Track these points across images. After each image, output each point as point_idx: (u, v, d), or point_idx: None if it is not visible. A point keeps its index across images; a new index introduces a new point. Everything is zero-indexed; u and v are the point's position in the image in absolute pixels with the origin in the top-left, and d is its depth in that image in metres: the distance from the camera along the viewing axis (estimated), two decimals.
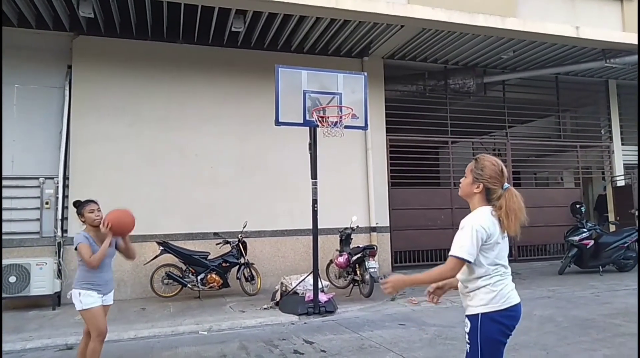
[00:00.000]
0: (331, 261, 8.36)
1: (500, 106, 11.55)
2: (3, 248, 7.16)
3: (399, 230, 9.94)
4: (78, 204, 3.91)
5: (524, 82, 11.58)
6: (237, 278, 7.89)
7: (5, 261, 6.94)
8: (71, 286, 3.81)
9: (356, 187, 9.49)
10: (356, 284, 7.63)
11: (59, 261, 7.51)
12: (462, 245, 2.23)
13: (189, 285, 7.62)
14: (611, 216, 11.86)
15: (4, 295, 6.79)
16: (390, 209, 9.81)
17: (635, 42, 8.82)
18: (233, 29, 8.21)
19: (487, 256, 2.26)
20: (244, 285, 7.89)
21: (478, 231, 2.23)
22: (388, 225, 9.76)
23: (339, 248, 8.17)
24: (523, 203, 2.31)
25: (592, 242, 9.14)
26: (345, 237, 8.05)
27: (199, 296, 7.79)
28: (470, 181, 2.38)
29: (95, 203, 3.90)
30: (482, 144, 12.46)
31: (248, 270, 7.99)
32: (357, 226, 8.38)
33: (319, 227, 6.80)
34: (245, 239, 8.07)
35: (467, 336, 2.31)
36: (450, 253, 2.25)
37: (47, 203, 7.85)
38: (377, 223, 9.54)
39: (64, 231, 7.76)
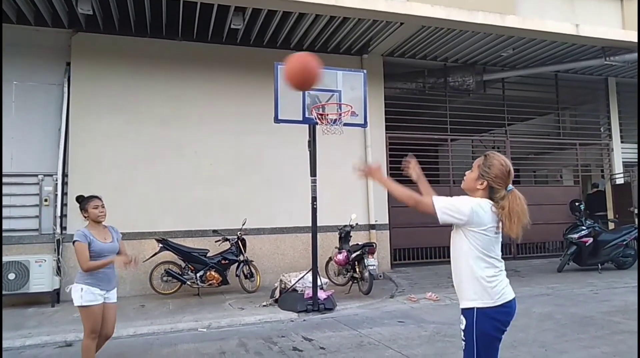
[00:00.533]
0: (330, 259, 8.37)
1: (499, 103, 11.55)
2: (2, 245, 7.15)
3: (398, 228, 9.94)
4: (81, 200, 3.81)
5: (523, 80, 11.58)
6: (237, 275, 7.89)
7: (4, 258, 6.94)
8: (70, 283, 3.76)
9: (355, 185, 9.43)
10: (355, 281, 7.63)
11: (58, 259, 7.51)
12: (447, 204, 2.22)
13: (188, 282, 7.62)
14: (610, 214, 11.87)
15: (3, 292, 6.78)
16: (390, 206, 9.81)
17: (635, 40, 8.83)
18: (232, 26, 8.19)
19: (474, 244, 2.24)
20: (243, 283, 7.89)
21: (473, 208, 2.21)
22: (387, 222, 9.77)
23: (338, 246, 8.17)
24: (526, 205, 2.27)
25: (591, 240, 9.14)
26: (344, 235, 8.05)
27: (198, 293, 7.79)
28: (476, 176, 2.35)
29: (99, 198, 3.82)
30: (482, 141, 12.47)
31: (247, 268, 8.00)
32: (357, 224, 8.38)
33: (318, 224, 6.80)
34: (244, 236, 8.07)
35: (462, 333, 2.31)
36: (434, 200, 2.24)
37: (46, 200, 7.85)
38: (376, 221, 9.55)
39: (63, 228, 7.76)
